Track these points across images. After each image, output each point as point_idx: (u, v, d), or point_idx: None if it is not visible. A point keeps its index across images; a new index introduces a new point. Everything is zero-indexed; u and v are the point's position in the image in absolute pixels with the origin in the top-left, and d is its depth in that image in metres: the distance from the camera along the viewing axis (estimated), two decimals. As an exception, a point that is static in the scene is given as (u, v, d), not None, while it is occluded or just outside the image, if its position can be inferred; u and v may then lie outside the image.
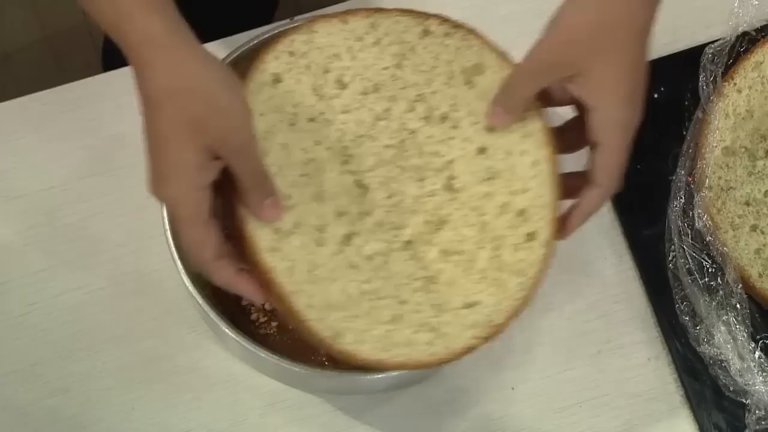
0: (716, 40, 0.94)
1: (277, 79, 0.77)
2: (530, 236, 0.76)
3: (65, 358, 0.86)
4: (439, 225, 0.77)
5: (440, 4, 0.96)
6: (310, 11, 0.91)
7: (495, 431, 0.87)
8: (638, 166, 0.93)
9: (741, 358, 0.86)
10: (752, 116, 0.92)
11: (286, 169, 0.75)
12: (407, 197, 0.77)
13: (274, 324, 0.87)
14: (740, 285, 0.87)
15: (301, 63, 0.78)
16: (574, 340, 0.89)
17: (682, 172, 0.91)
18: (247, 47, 0.82)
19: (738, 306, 0.87)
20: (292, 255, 0.73)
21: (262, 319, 0.87)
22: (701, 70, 0.93)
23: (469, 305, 0.75)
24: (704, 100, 0.92)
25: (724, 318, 0.87)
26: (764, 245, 0.89)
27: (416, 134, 0.78)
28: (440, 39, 0.80)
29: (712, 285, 0.88)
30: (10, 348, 0.86)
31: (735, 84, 0.92)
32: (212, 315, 0.77)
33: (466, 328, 0.75)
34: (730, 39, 0.94)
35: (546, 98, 0.78)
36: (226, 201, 0.72)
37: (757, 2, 0.95)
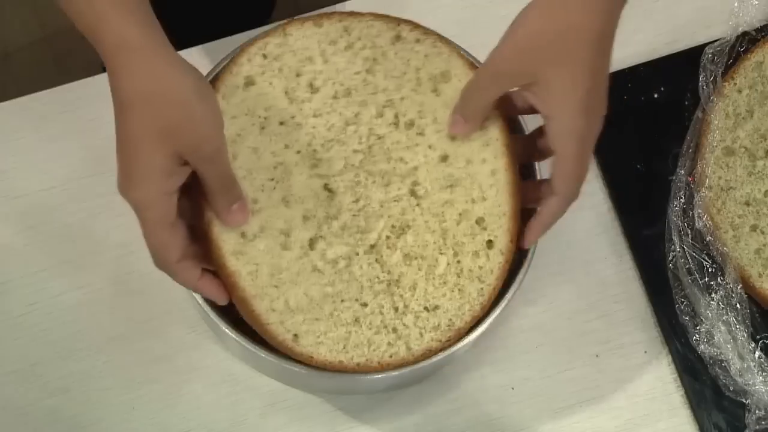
0: (716, 40, 0.94)
1: (249, 82, 0.79)
2: (489, 244, 0.78)
3: (65, 358, 0.86)
4: (403, 230, 0.79)
5: (439, 4, 0.96)
6: (310, 11, 0.91)
7: (495, 431, 0.87)
8: (638, 166, 0.93)
9: (741, 358, 0.86)
10: (752, 116, 0.92)
11: (255, 172, 0.77)
12: (373, 202, 0.79)
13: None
14: (740, 285, 0.87)
15: (274, 66, 0.79)
16: (574, 340, 0.89)
17: (682, 172, 0.91)
18: (249, 40, 0.82)
19: (738, 306, 0.87)
20: (256, 259, 0.75)
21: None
22: (701, 70, 0.93)
23: (430, 309, 0.78)
24: (704, 100, 0.92)
25: (724, 318, 0.87)
26: (764, 245, 0.89)
27: (384, 140, 0.80)
28: (411, 45, 0.81)
29: (712, 285, 0.88)
30: (10, 348, 0.86)
31: (735, 84, 0.92)
32: (212, 315, 0.77)
33: (427, 330, 0.77)
34: (730, 39, 0.94)
35: (508, 106, 0.79)
36: (194, 203, 0.73)
37: (757, 2, 0.95)
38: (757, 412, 0.85)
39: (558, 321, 0.89)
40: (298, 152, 0.78)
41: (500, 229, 0.78)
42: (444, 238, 0.78)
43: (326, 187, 0.78)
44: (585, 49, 0.71)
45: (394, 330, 0.77)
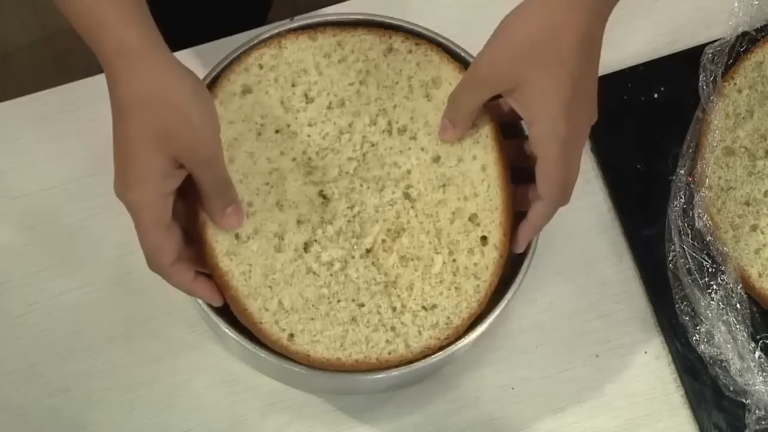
0: (716, 40, 0.94)
1: (246, 90, 0.81)
2: (483, 240, 0.79)
3: (65, 358, 0.86)
4: (398, 233, 0.79)
5: (439, 4, 0.96)
6: (309, 11, 0.91)
7: (495, 431, 0.87)
8: (638, 166, 0.93)
9: (741, 358, 0.86)
10: (752, 116, 0.92)
11: (251, 176, 0.78)
12: (368, 207, 0.80)
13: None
14: (740, 285, 0.87)
15: (270, 76, 0.81)
16: (574, 340, 0.89)
17: (682, 172, 0.91)
18: (246, 47, 0.82)
19: (738, 306, 0.87)
20: (249, 260, 0.77)
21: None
22: (701, 70, 0.93)
23: (428, 308, 0.78)
24: (704, 100, 0.92)
25: (724, 318, 0.87)
26: (764, 245, 0.89)
27: (377, 147, 0.81)
28: (403, 55, 0.83)
29: (712, 285, 0.88)
30: (10, 348, 0.86)
31: (735, 84, 0.92)
32: (212, 315, 0.77)
33: (425, 328, 0.78)
34: (730, 39, 0.94)
35: (499, 112, 0.79)
36: (188, 205, 0.74)
37: (757, 2, 0.95)
38: (757, 412, 0.85)
39: (558, 321, 0.89)
40: (294, 159, 0.80)
41: (493, 224, 0.79)
42: (439, 238, 0.79)
43: (321, 194, 0.79)
44: (567, 51, 0.71)
45: (393, 328, 0.77)
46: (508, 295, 0.79)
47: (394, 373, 0.77)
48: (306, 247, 0.78)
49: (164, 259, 0.72)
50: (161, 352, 0.87)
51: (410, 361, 0.77)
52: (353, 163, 0.80)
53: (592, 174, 0.93)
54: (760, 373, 0.86)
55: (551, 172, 0.73)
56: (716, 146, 0.91)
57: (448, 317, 0.78)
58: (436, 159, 0.80)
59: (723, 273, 0.88)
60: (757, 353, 0.87)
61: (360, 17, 0.84)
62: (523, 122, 0.75)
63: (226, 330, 0.77)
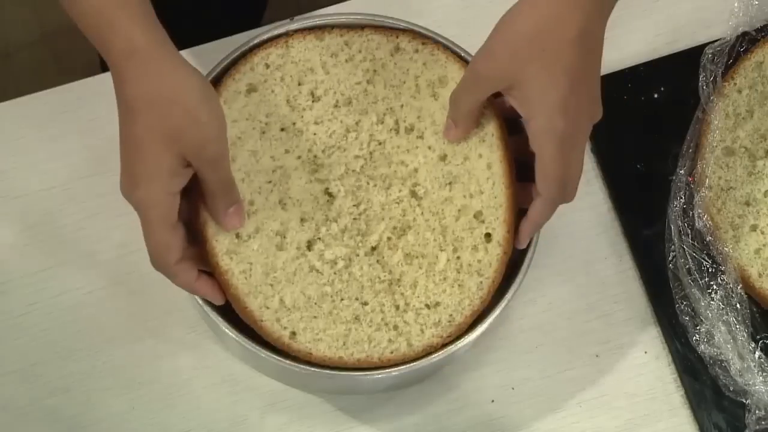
0: (716, 40, 0.94)
1: (251, 89, 0.81)
2: (487, 237, 0.79)
3: (65, 358, 0.86)
4: (404, 230, 0.80)
5: (439, 4, 0.96)
6: (310, 11, 0.91)
7: (495, 431, 0.87)
8: (638, 166, 0.93)
9: (741, 358, 0.86)
10: (752, 116, 0.92)
11: (253, 175, 0.78)
12: (374, 205, 0.80)
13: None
14: (740, 285, 0.87)
15: (276, 75, 0.81)
16: (574, 340, 0.89)
17: (682, 172, 0.91)
18: (247, 47, 0.83)
19: (738, 306, 0.87)
20: (249, 258, 0.77)
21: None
22: (701, 70, 0.93)
23: (431, 306, 0.78)
24: (704, 100, 0.92)
25: (724, 318, 0.87)
26: (764, 245, 0.88)
27: (384, 145, 0.81)
28: (410, 55, 0.83)
29: (712, 285, 0.88)
30: (10, 348, 0.86)
31: (735, 84, 0.92)
32: (212, 315, 0.77)
33: (427, 326, 0.78)
34: (730, 39, 0.94)
35: (503, 109, 0.79)
36: (190, 204, 0.74)
37: (757, 2, 0.95)
38: (757, 412, 0.85)
39: (558, 321, 0.89)
40: (299, 157, 0.80)
41: (497, 221, 0.79)
42: (444, 235, 0.79)
43: (326, 192, 0.79)
44: (564, 47, 0.71)
45: (395, 327, 0.77)
46: (508, 295, 0.79)
47: (395, 372, 0.77)
48: (309, 245, 0.78)
49: (170, 258, 0.72)
50: (161, 352, 0.87)
51: (412, 360, 0.77)
52: (360, 161, 0.80)
53: (592, 174, 0.93)
54: (760, 373, 0.86)
55: (549, 169, 0.73)
56: (716, 146, 0.91)
57: (451, 315, 0.78)
58: (443, 157, 0.81)
59: (723, 273, 0.88)
60: (757, 353, 0.87)
61: (361, 18, 0.84)
62: (522, 119, 0.75)
63: (226, 330, 0.77)
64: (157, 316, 0.87)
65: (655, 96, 0.95)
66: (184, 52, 0.91)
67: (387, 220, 0.79)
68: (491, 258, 0.79)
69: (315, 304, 0.77)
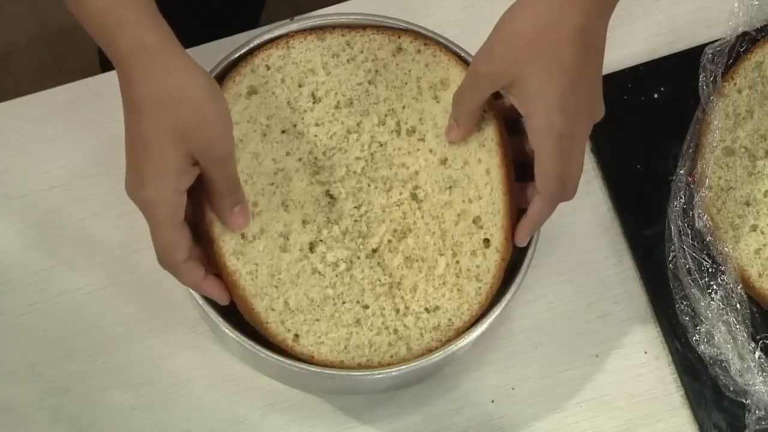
0: (716, 40, 0.94)
1: (252, 91, 0.81)
2: (485, 243, 0.79)
3: (65, 358, 0.86)
4: (404, 233, 0.80)
5: (439, 4, 0.96)
6: (310, 11, 0.91)
7: (495, 431, 0.87)
8: (638, 166, 0.93)
9: (741, 358, 0.86)
10: (752, 116, 0.92)
11: (256, 177, 0.79)
12: (375, 207, 0.80)
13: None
14: (740, 285, 0.87)
15: (277, 77, 0.81)
16: (574, 340, 0.89)
17: (682, 172, 0.91)
18: (248, 47, 0.83)
19: (738, 306, 0.87)
20: (255, 259, 0.77)
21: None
22: (701, 70, 0.93)
23: (431, 310, 0.78)
24: (704, 100, 0.92)
25: (724, 318, 0.87)
26: (764, 245, 0.88)
27: (386, 147, 0.81)
28: (412, 56, 0.83)
29: (712, 285, 0.88)
30: (10, 348, 0.86)
31: (735, 84, 0.92)
32: (212, 315, 0.77)
33: (427, 331, 0.78)
34: (730, 39, 0.94)
35: (505, 110, 0.79)
36: (195, 205, 0.74)
37: (757, 2, 0.95)
38: (757, 412, 0.85)
39: (558, 321, 0.89)
40: (300, 159, 0.80)
41: (495, 227, 0.79)
42: (443, 239, 0.79)
43: (327, 194, 0.80)
44: (563, 45, 0.71)
45: (395, 331, 0.78)
46: (508, 295, 0.79)
47: (395, 373, 0.77)
48: (311, 247, 0.78)
49: (178, 256, 0.72)
50: (161, 352, 0.87)
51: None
52: (361, 163, 0.80)
53: (592, 174, 0.93)
54: (760, 373, 0.86)
55: (547, 166, 0.73)
56: (716, 146, 0.91)
57: (450, 319, 0.78)
58: (444, 161, 0.81)
59: (723, 273, 0.88)
60: (757, 353, 0.87)
61: (361, 18, 0.84)
62: (522, 119, 0.75)
63: (226, 330, 0.77)
64: (157, 316, 0.87)
65: (655, 96, 0.95)
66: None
67: (388, 222, 0.79)
68: (489, 264, 0.79)
69: (318, 306, 0.77)
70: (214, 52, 0.86)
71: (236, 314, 0.78)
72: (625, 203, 0.92)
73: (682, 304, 0.88)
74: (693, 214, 0.89)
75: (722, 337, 0.86)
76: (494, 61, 0.73)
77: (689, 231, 0.89)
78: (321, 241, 0.78)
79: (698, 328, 0.87)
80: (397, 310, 0.78)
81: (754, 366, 0.86)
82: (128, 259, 0.88)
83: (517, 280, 0.79)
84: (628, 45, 0.96)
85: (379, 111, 0.81)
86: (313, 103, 0.81)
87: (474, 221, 0.79)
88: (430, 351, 0.77)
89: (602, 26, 0.73)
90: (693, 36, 0.97)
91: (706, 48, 0.93)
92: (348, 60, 0.82)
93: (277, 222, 0.78)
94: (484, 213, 0.79)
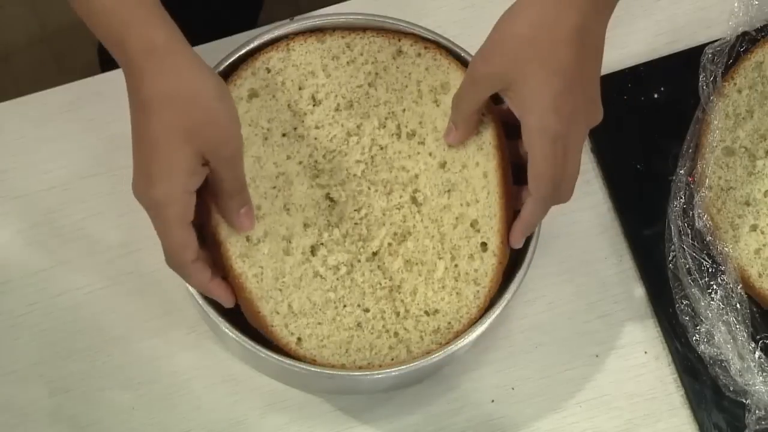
0: (716, 40, 0.94)
1: (253, 94, 0.81)
2: (483, 246, 0.79)
3: (65, 358, 0.86)
4: (404, 237, 0.80)
5: (439, 4, 0.96)
6: (310, 11, 0.91)
7: (495, 431, 0.87)
8: (638, 166, 0.93)
9: (741, 358, 0.86)
10: (752, 116, 0.92)
11: (258, 180, 0.79)
12: (375, 210, 0.80)
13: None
14: (740, 285, 0.87)
15: (277, 80, 0.82)
16: (574, 340, 0.89)
17: (682, 172, 0.91)
18: (248, 47, 0.83)
19: (738, 306, 0.87)
20: (261, 262, 0.77)
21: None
22: (701, 70, 0.93)
23: (430, 313, 0.79)
24: (704, 100, 0.92)
25: (724, 318, 0.87)
26: (764, 245, 0.89)
27: (386, 150, 0.81)
28: (412, 59, 0.83)
29: (712, 285, 0.88)
30: (10, 348, 0.86)
31: (735, 84, 0.92)
32: (212, 315, 0.77)
33: (427, 334, 0.78)
34: (730, 39, 0.94)
35: (504, 114, 0.79)
36: (200, 208, 0.74)
37: (757, 2, 0.95)
38: (757, 412, 0.85)
39: (558, 321, 0.89)
40: (300, 163, 0.80)
41: (492, 231, 0.79)
42: (442, 243, 0.79)
43: (328, 197, 0.80)
44: (558, 46, 0.71)
45: (396, 334, 0.78)
46: (508, 295, 0.79)
47: (395, 372, 0.77)
48: (313, 250, 0.79)
49: (187, 257, 0.72)
50: (161, 352, 0.87)
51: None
52: (361, 166, 0.81)
53: (592, 174, 0.93)
54: (760, 373, 0.86)
55: (540, 168, 0.73)
56: (716, 146, 0.91)
57: (449, 322, 0.78)
58: (443, 164, 0.81)
59: (723, 273, 0.88)
60: (757, 353, 0.87)
61: (361, 18, 0.84)
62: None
63: (226, 330, 0.77)
64: (157, 316, 0.87)
65: (655, 96, 0.95)
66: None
67: (388, 225, 0.80)
68: (487, 267, 0.79)
69: (319, 310, 0.78)
70: (213, 52, 0.86)
71: (236, 314, 0.78)
72: (625, 203, 0.92)
73: (682, 304, 0.88)
74: (693, 214, 0.89)
75: (722, 337, 0.86)
76: (491, 63, 0.73)
77: (689, 231, 0.89)
78: (322, 244, 0.79)
79: (698, 328, 0.87)
80: (398, 314, 0.78)
81: (754, 366, 0.86)
82: (128, 259, 0.88)
83: (517, 280, 0.79)
84: (628, 45, 0.96)
85: (380, 114, 0.81)
86: (313, 105, 0.81)
87: (472, 224, 0.80)
88: (429, 354, 0.77)
89: (600, 27, 0.73)
90: (693, 36, 0.97)
91: (706, 48, 0.93)
92: (348, 62, 0.82)
93: (280, 225, 0.78)
94: (481, 216, 0.79)
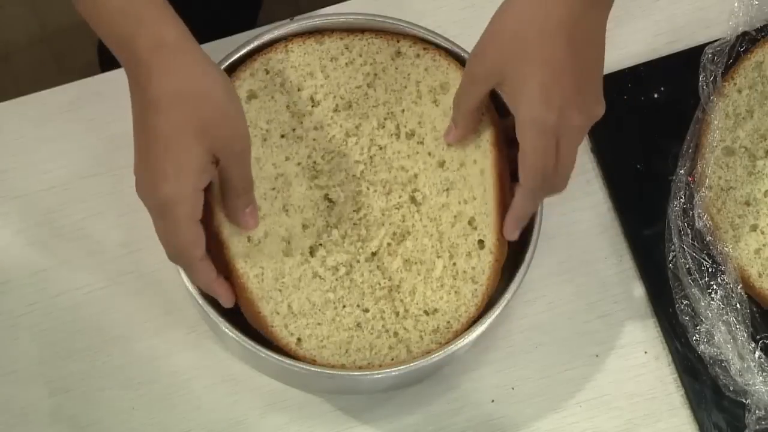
0: (716, 40, 0.94)
1: (252, 96, 0.81)
2: (480, 244, 0.80)
3: (65, 358, 0.86)
4: (403, 236, 0.80)
5: (439, 4, 0.96)
6: (309, 11, 0.91)
7: (495, 431, 0.87)
8: (638, 166, 0.93)
9: (741, 358, 0.86)
10: (752, 116, 0.92)
11: (258, 181, 0.79)
12: (375, 210, 0.80)
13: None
14: (740, 285, 0.87)
15: (276, 81, 0.82)
16: (574, 340, 0.89)
17: (682, 172, 0.91)
18: (248, 47, 0.83)
19: (738, 306, 0.87)
20: (261, 262, 0.77)
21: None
22: (701, 70, 0.93)
23: (429, 312, 0.79)
24: (704, 100, 0.92)
25: (724, 318, 0.87)
26: (764, 245, 0.88)
27: (385, 150, 0.81)
28: (411, 60, 0.83)
29: (712, 285, 0.88)
30: (10, 348, 0.86)
31: (735, 84, 0.92)
32: (212, 315, 0.77)
33: (426, 333, 0.78)
34: (730, 39, 0.94)
35: (498, 110, 0.79)
36: (205, 206, 0.74)
37: (757, 2, 0.95)
38: (757, 412, 0.85)
39: (558, 321, 0.89)
40: (299, 164, 0.80)
41: (488, 228, 0.79)
42: (440, 242, 0.79)
43: (327, 198, 0.80)
44: (545, 39, 0.71)
45: (395, 334, 0.78)
46: (508, 295, 0.79)
47: (394, 372, 0.77)
48: (312, 251, 0.79)
49: (196, 254, 0.73)
50: (161, 352, 0.87)
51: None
52: (360, 166, 0.81)
53: (592, 174, 0.93)
54: (760, 373, 0.86)
55: (528, 159, 0.73)
56: (716, 146, 0.91)
57: (449, 321, 0.78)
58: (442, 163, 0.81)
59: (723, 273, 0.88)
60: (757, 353, 0.87)
61: (360, 18, 0.84)
62: None
63: (226, 330, 0.77)
64: (157, 316, 0.87)
65: (655, 96, 0.95)
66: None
67: (387, 225, 0.80)
68: (484, 265, 0.79)
69: (319, 310, 0.78)
70: (213, 52, 0.86)
71: (236, 314, 0.78)
72: (625, 203, 0.92)
73: (682, 304, 0.88)
74: (693, 214, 0.89)
75: (722, 337, 0.86)
76: (485, 60, 0.74)
77: (689, 231, 0.89)
78: (321, 245, 0.79)
79: (698, 328, 0.87)
80: (397, 313, 0.78)
81: (754, 366, 0.86)
82: (128, 259, 0.88)
83: (517, 280, 0.79)
84: (627, 45, 0.96)
85: (378, 114, 0.82)
86: (312, 106, 0.82)
87: (469, 222, 0.80)
88: (429, 354, 0.78)
89: (593, 20, 0.73)
90: (693, 36, 0.97)
91: (706, 48, 0.93)
92: (346, 63, 0.83)
93: (280, 226, 0.78)
94: (477, 214, 0.80)
